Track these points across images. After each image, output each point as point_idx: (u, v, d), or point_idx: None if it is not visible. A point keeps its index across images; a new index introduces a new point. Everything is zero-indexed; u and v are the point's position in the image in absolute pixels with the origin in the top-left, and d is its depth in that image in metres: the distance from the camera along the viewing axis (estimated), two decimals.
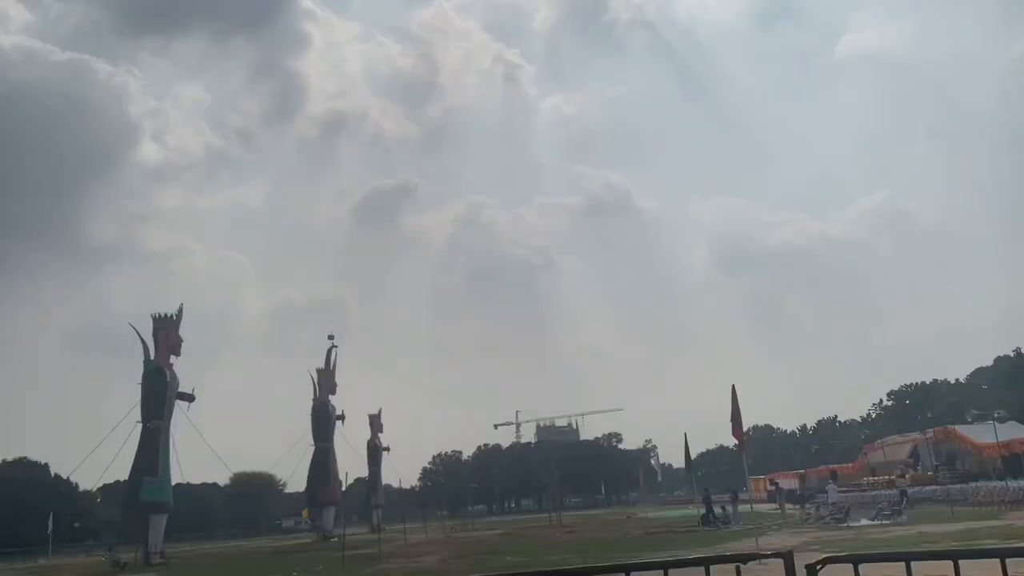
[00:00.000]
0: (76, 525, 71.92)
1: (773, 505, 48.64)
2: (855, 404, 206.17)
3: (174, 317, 44.99)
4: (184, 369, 46.90)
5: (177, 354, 44.85)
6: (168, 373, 43.62)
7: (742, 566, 3.41)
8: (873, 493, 43.13)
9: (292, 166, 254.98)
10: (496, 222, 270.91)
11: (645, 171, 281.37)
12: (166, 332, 44.18)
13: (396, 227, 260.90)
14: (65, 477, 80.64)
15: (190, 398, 45.67)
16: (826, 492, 41.55)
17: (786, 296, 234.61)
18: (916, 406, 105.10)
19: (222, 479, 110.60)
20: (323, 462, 64.45)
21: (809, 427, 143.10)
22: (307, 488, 66.36)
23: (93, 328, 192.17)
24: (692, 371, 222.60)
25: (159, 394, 42.65)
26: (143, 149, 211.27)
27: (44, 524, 59.73)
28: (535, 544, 32.64)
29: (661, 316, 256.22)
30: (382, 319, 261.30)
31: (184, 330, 45.97)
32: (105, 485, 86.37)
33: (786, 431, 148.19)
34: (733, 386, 20.03)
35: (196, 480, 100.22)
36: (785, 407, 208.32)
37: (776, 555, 3.28)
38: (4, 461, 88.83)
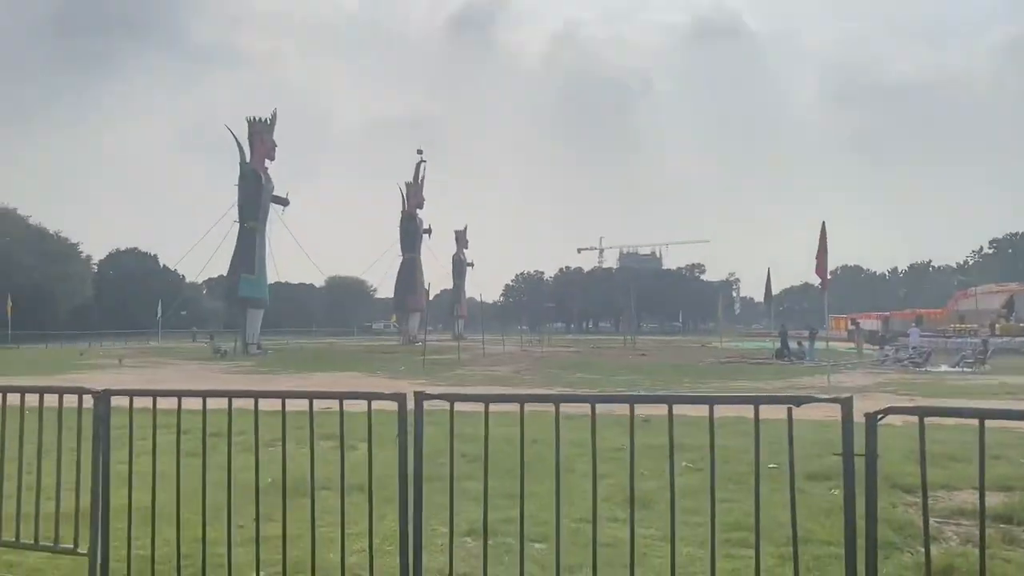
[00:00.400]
0: (183, 313, 77.07)
1: (852, 344, 48.16)
2: (953, 250, 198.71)
3: (268, 121, 45.47)
4: (279, 174, 47.97)
5: (271, 158, 45.68)
6: (263, 176, 44.67)
7: (795, 408, 3.14)
8: (958, 340, 42.03)
9: None
10: (594, 40, 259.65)
11: None
12: (261, 136, 44.82)
13: (491, 41, 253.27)
14: (172, 268, 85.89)
15: (284, 202, 47.00)
16: (908, 335, 40.67)
17: (894, 132, 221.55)
18: (1019, 256, 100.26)
19: (318, 281, 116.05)
20: (410, 272, 66.66)
21: (900, 270, 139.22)
22: (395, 295, 69.24)
23: (195, 127, 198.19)
24: (785, 206, 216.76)
25: (254, 196, 43.96)
26: None
27: (154, 309, 64.30)
28: (606, 363, 33.38)
29: (759, 148, 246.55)
30: (472, 136, 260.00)
31: (280, 136, 46.55)
32: (210, 278, 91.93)
33: (875, 273, 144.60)
34: (823, 222, 19.17)
35: (294, 280, 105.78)
36: (877, 248, 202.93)
37: (834, 399, 2.99)
38: (117, 250, 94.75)
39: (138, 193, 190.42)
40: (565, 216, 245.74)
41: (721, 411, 3.62)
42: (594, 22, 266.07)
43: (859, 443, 3.01)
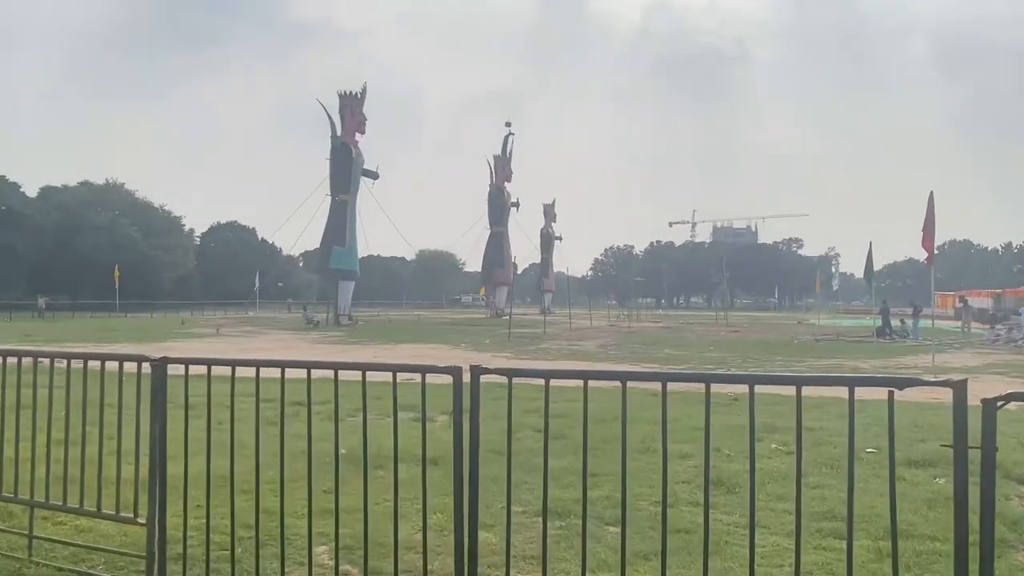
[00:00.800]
0: (279, 284, 79.54)
1: (959, 323, 45.71)
2: None
3: (358, 95, 46.01)
4: (372, 148, 48.69)
5: (362, 132, 46.32)
6: (353, 150, 45.33)
7: (898, 392, 2.76)
8: None
9: None
10: (689, 6, 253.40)
11: None
12: (351, 109, 45.42)
13: (583, 10, 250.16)
14: (270, 241, 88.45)
15: (374, 175, 47.59)
16: (1020, 314, 38.13)
17: (1010, 101, 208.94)
18: None
19: (408, 254, 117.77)
20: (497, 245, 66.90)
21: (1015, 246, 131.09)
22: (482, 268, 69.67)
23: (293, 103, 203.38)
24: (889, 178, 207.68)
25: (345, 169, 44.67)
26: None
27: (252, 281, 66.47)
28: (696, 339, 32.61)
29: (861, 117, 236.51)
30: (564, 109, 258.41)
31: (373, 111, 47.26)
32: (306, 251, 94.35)
33: (987, 248, 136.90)
34: (931, 192, 17.98)
35: (385, 253, 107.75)
36: (989, 222, 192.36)
37: (943, 383, 2.60)
38: (218, 223, 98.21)
39: (239, 167, 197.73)
40: (657, 189, 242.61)
41: (820, 392, 3.27)
42: None
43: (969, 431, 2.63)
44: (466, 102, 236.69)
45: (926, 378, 2.83)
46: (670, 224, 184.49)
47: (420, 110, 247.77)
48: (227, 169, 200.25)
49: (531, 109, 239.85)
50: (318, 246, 48.50)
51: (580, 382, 3.28)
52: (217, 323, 39.43)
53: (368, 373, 3.58)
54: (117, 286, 59.12)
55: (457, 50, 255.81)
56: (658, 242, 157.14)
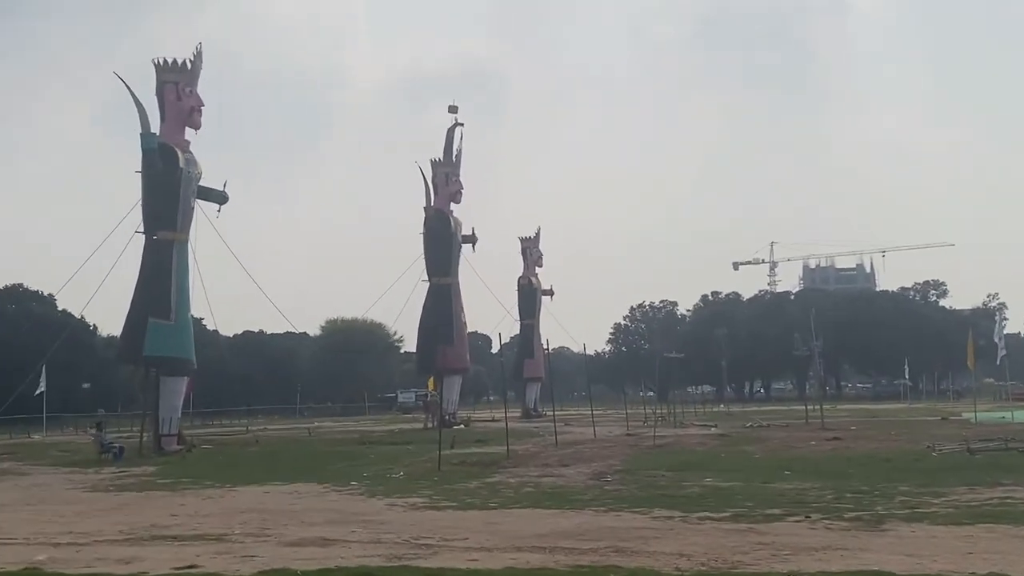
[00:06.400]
0: (85, 386, 75.85)
1: None
2: None
3: (187, 65, 43.27)
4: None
5: (195, 125, 43.27)
6: (180, 155, 42.17)
7: None
8: None
9: None
10: None
11: None
12: (177, 89, 42.63)
13: None
14: (79, 316, 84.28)
15: (221, 197, 44.93)
16: None
17: None
18: None
19: (313, 328, 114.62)
20: (442, 307, 63.79)
21: None
22: (418, 347, 66.83)
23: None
24: None
25: (167, 189, 41.56)
26: None
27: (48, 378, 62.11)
28: (765, 458, 30.06)
29: (1014, 91, 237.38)
30: (556, 92, 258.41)
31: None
32: None
33: None
34: None
35: (278, 329, 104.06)
36: None
37: None
38: None
39: (37, 201, 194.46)
40: (711, 214, 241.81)
41: None
42: None
43: None
44: (408, 84, 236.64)
45: None
46: (735, 266, 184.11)
47: (337, 99, 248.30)
48: (19, 203, 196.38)
49: (510, 91, 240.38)
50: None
51: None
52: None
53: None
54: None
55: (393, 10, 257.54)
56: (716, 295, 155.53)
